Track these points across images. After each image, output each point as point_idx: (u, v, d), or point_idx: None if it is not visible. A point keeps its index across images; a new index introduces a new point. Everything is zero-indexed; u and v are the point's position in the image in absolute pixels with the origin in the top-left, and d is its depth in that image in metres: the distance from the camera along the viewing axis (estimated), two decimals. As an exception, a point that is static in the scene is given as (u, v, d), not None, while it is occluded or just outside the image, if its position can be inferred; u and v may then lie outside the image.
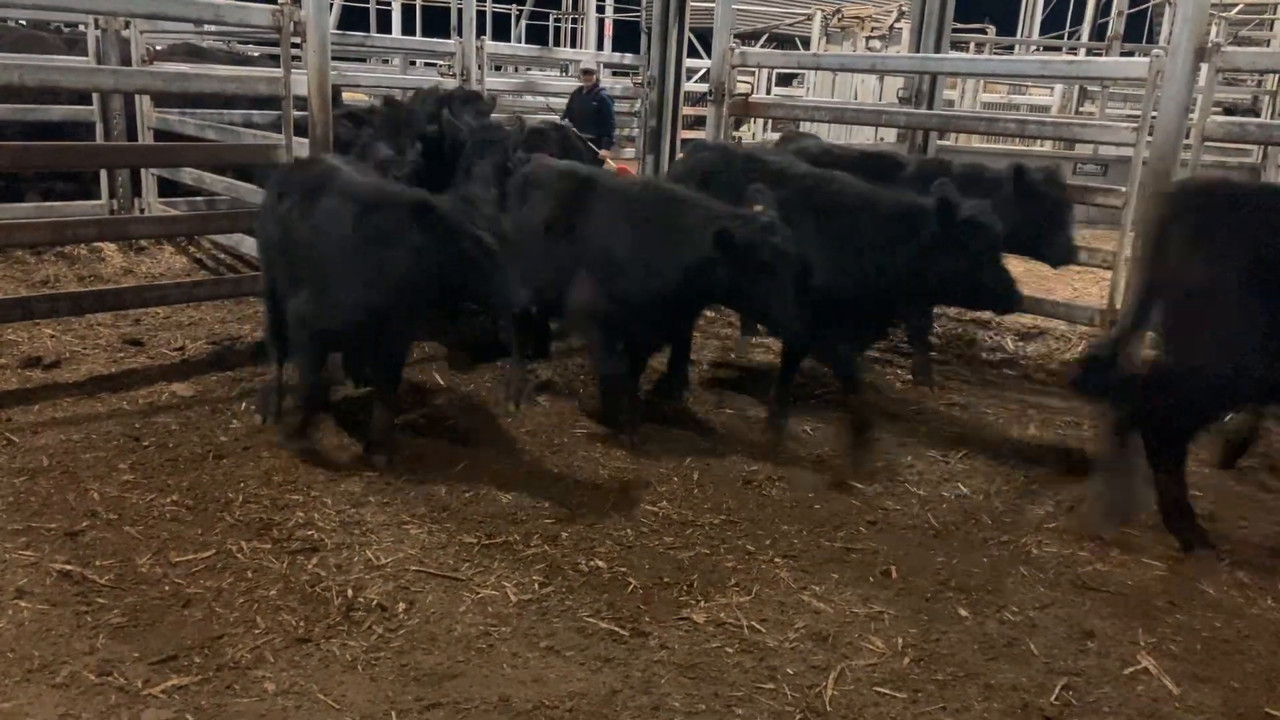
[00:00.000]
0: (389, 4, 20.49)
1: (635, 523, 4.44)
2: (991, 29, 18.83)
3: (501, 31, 22.09)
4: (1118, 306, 6.77)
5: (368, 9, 20.81)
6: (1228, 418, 5.21)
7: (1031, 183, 6.06)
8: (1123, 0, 17.06)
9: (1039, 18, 21.21)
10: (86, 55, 8.92)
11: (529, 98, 12.91)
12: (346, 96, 10.79)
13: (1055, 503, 4.86)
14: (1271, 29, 18.70)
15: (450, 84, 8.66)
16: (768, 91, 17.11)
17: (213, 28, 12.00)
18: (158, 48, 9.67)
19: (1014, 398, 6.38)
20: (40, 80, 6.56)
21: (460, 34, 9.97)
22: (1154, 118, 6.38)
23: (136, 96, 8.75)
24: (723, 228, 4.63)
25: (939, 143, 9.61)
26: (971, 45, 17.55)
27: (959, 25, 13.13)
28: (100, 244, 8.51)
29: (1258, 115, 14.41)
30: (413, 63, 14.76)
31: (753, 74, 15.77)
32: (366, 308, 4.57)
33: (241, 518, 4.31)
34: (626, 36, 20.18)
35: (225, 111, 8.50)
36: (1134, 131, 6.60)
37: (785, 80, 19.14)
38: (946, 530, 4.54)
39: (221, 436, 5.16)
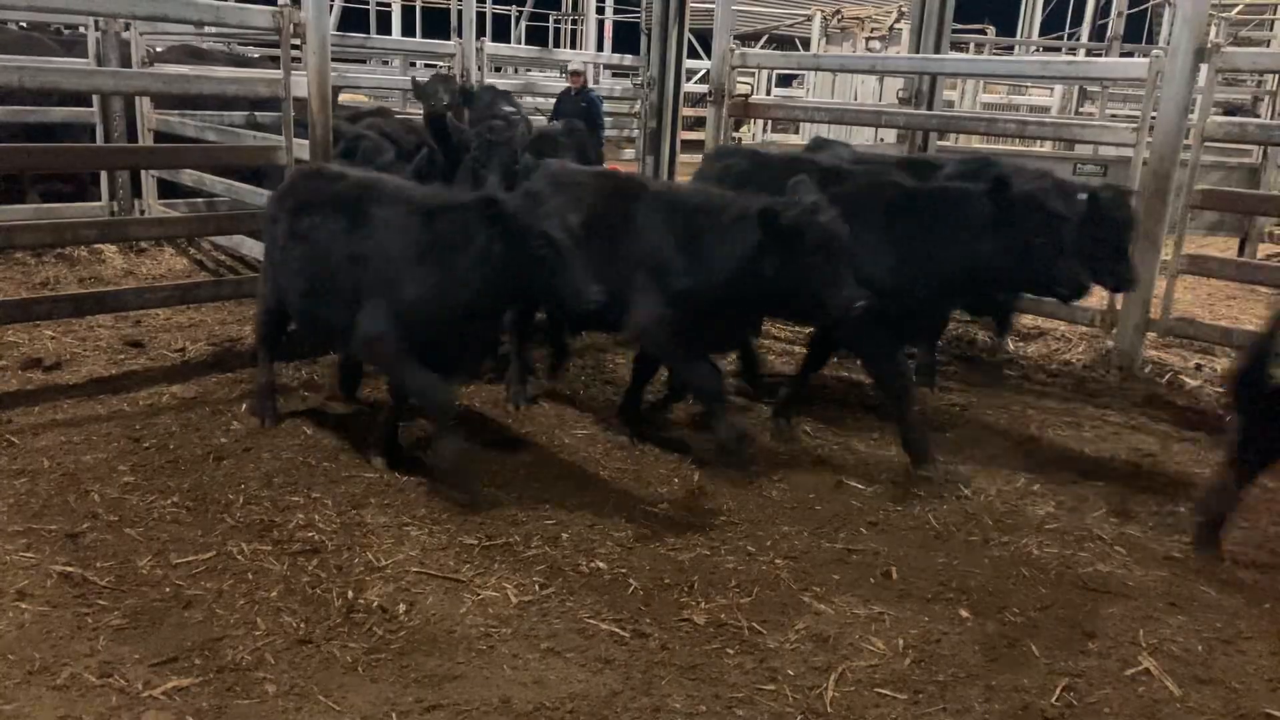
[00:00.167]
0: (389, 5, 20.51)
1: (636, 524, 4.43)
2: (991, 29, 18.83)
3: (501, 33, 22.13)
4: (1118, 307, 6.79)
5: (367, 10, 20.84)
6: None
7: (1104, 207, 5.56)
8: (1122, 1, 17.07)
9: (1038, 18, 21.21)
10: (83, 57, 8.93)
11: (528, 99, 12.90)
12: (346, 98, 10.81)
13: (1056, 503, 4.86)
14: (1271, 29, 18.71)
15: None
16: (767, 92, 17.14)
17: (213, 29, 11.99)
18: (157, 49, 9.67)
19: (1014, 398, 6.38)
20: (41, 82, 6.57)
21: (460, 35, 9.99)
22: (1154, 118, 6.39)
23: (137, 98, 8.75)
24: (767, 207, 4.53)
25: (939, 143, 9.61)
26: (971, 46, 17.55)
27: (959, 26, 13.14)
28: (101, 246, 8.51)
29: (1257, 116, 14.41)
30: (412, 64, 14.75)
31: (752, 75, 15.79)
32: (448, 313, 4.47)
33: (242, 519, 4.31)
34: (626, 37, 20.19)
35: (226, 113, 8.52)
36: (1134, 132, 6.61)
37: (785, 81, 19.18)
38: (947, 531, 4.54)
39: (222, 438, 5.16)
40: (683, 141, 9.80)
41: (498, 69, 14.86)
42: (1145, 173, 6.40)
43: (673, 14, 9.21)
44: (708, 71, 9.07)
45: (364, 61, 16.66)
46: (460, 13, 10.05)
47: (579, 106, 10.48)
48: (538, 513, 4.48)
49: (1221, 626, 3.84)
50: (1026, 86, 17.89)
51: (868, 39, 16.76)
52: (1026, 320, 7.66)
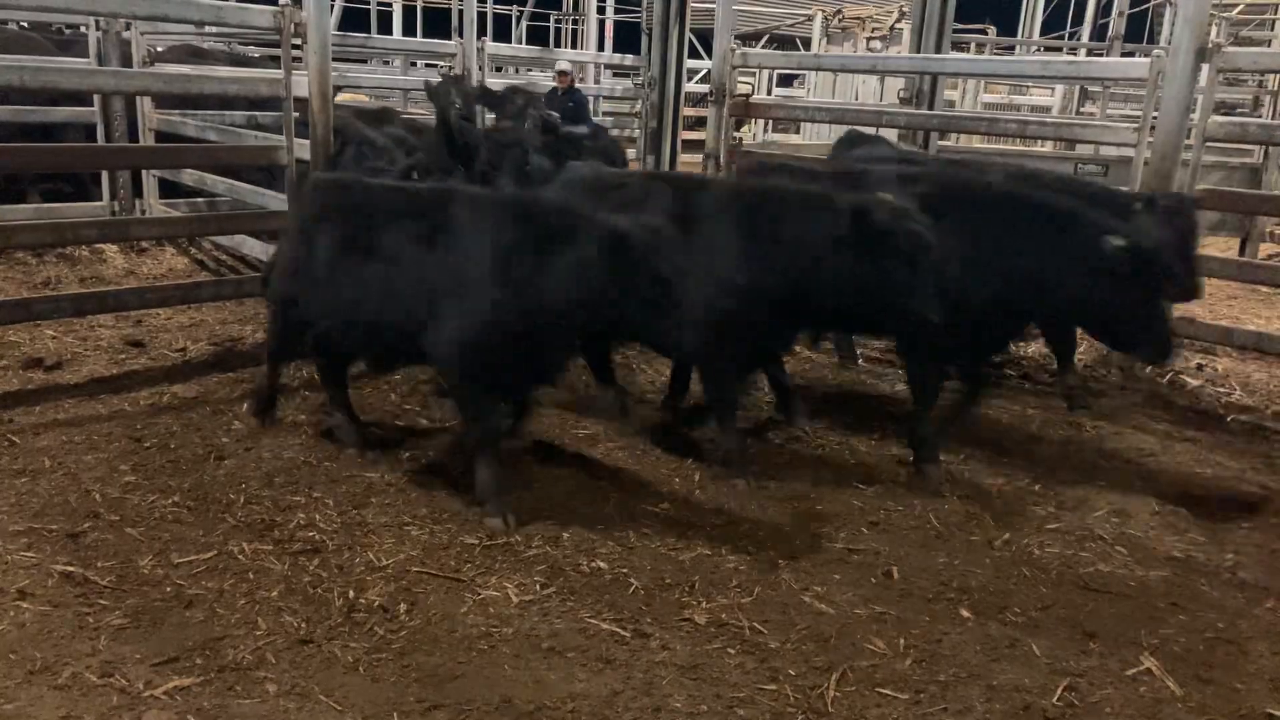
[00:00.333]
0: (390, 5, 20.52)
1: (636, 524, 4.43)
2: (992, 29, 18.81)
3: (502, 32, 22.15)
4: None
5: (368, 10, 20.86)
6: None
7: (1167, 213, 5.40)
8: (1123, 1, 17.06)
9: (1039, 18, 21.20)
10: (80, 56, 8.94)
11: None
12: (347, 98, 10.81)
13: (1056, 503, 4.86)
14: (1272, 29, 18.70)
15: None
16: (768, 92, 17.12)
17: (213, 29, 12.00)
18: (158, 49, 9.68)
19: (1015, 398, 6.37)
20: (42, 82, 6.58)
21: (461, 35, 9.99)
22: (1155, 118, 6.38)
23: (138, 98, 8.76)
24: (861, 205, 4.44)
25: (939, 143, 9.61)
26: (972, 46, 17.54)
27: (959, 26, 13.11)
28: (102, 245, 8.50)
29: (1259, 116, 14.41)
30: (413, 64, 14.78)
31: (753, 75, 15.78)
32: (529, 322, 4.28)
33: (243, 519, 4.31)
34: (627, 37, 20.18)
35: (227, 113, 8.52)
36: (1135, 132, 6.59)
37: (786, 81, 19.17)
38: (948, 531, 4.54)
39: (223, 438, 5.16)
40: (683, 141, 9.80)
41: (499, 69, 14.86)
42: (1146, 173, 6.39)
43: (673, 14, 9.21)
44: (708, 71, 9.05)
45: (365, 61, 16.68)
46: (461, 13, 10.06)
47: (565, 106, 10.47)
48: (539, 513, 4.48)
49: (1223, 626, 3.84)
50: (1027, 86, 17.88)
51: (869, 39, 16.73)
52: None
